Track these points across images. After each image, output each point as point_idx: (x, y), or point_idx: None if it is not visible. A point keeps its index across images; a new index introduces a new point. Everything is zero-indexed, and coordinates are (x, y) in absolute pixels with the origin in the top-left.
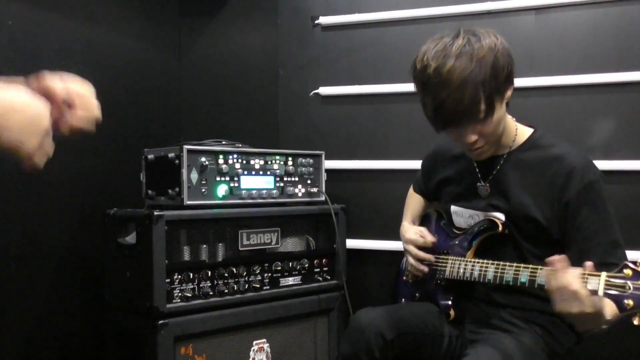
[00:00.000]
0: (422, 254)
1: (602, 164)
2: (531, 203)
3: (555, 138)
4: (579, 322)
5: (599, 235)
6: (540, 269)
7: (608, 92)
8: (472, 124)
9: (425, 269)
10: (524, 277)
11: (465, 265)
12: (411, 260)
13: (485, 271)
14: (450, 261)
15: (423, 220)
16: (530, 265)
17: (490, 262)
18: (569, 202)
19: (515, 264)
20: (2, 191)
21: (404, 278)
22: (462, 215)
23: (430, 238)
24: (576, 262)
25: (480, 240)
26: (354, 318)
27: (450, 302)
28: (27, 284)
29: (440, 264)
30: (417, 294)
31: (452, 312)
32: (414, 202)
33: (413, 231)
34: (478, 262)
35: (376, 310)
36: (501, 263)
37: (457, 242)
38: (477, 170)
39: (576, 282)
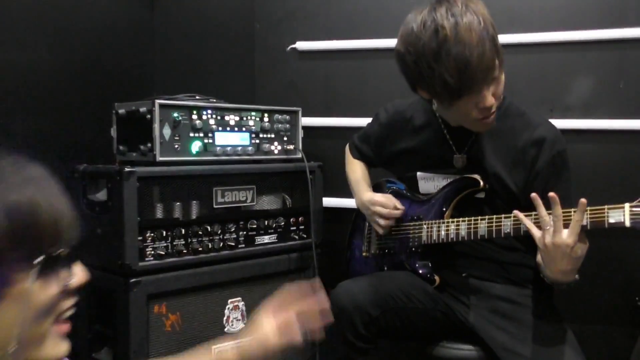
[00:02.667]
0: (397, 211)
1: (580, 123)
2: (505, 172)
3: (522, 106)
4: (562, 274)
5: (564, 202)
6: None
7: (587, 50)
8: (492, 84)
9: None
10: (507, 227)
11: (447, 226)
12: (383, 222)
13: (476, 228)
14: (425, 226)
15: (375, 189)
16: (528, 213)
17: (474, 218)
18: (539, 172)
19: (501, 216)
20: None
21: (364, 254)
22: (432, 180)
23: (400, 206)
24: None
25: (457, 200)
26: (334, 293)
27: (431, 268)
28: None
29: (412, 231)
30: (385, 267)
31: (437, 278)
32: (360, 170)
33: (377, 195)
34: (463, 221)
35: (358, 285)
36: (487, 217)
37: (429, 206)
38: (450, 141)
39: (572, 239)
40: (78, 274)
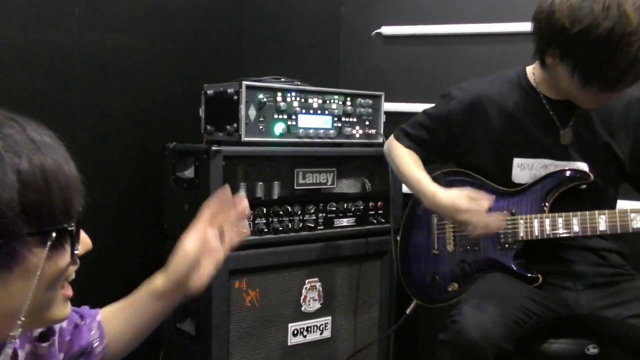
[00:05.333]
0: (480, 211)
1: None
2: (613, 140)
3: None
4: None
5: None
6: None
7: None
8: None
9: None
10: (637, 222)
11: (553, 221)
12: (477, 218)
13: (594, 223)
14: (522, 221)
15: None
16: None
17: (590, 213)
18: None
19: (626, 210)
20: (71, 127)
21: (434, 252)
22: (530, 168)
23: (486, 198)
24: None
25: (560, 192)
26: (462, 324)
27: (530, 266)
28: (91, 213)
29: (504, 227)
30: (466, 267)
31: (539, 276)
32: (417, 161)
33: (459, 197)
34: (575, 215)
35: (488, 316)
36: (608, 212)
37: (524, 199)
38: (554, 117)
39: None
40: (84, 242)
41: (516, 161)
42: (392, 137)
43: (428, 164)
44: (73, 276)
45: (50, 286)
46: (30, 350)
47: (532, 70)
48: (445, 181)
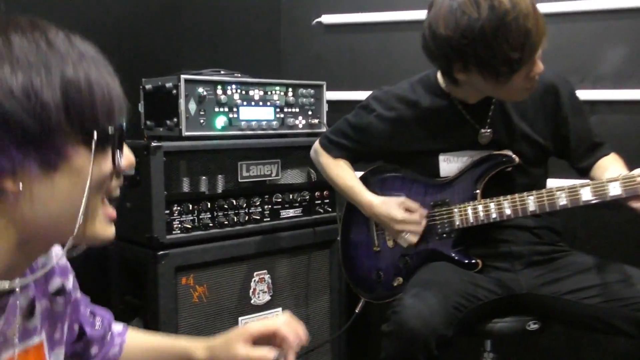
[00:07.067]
0: (415, 223)
1: (611, 94)
2: (530, 129)
3: None
4: None
5: (590, 131)
6: (572, 188)
7: (619, 19)
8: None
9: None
10: (563, 200)
11: (486, 207)
12: (409, 238)
13: (524, 204)
14: (456, 209)
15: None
16: (567, 186)
17: (519, 195)
18: (566, 116)
19: (552, 189)
20: None
21: (376, 249)
22: (456, 161)
23: (420, 210)
24: (582, 160)
25: (488, 178)
26: (402, 315)
27: (468, 252)
28: None
29: (439, 218)
30: (407, 259)
31: (479, 261)
32: (349, 171)
33: (394, 208)
34: (505, 199)
35: (427, 304)
36: (536, 192)
37: (454, 189)
38: (470, 120)
39: None
40: (127, 156)
41: (442, 157)
42: (317, 144)
43: (356, 164)
44: (117, 193)
45: (94, 191)
46: (47, 306)
47: (441, 77)
48: (376, 179)
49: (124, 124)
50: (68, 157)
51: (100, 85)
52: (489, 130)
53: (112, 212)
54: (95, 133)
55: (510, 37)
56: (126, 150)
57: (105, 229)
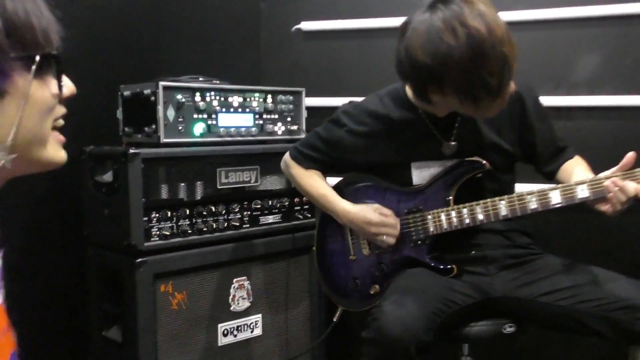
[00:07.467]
0: (391, 226)
1: (586, 100)
2: (499, 137)
3: None
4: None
5: (554, 137)
6: (541, 192)
7: (593, 26)
8: None
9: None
10: (533, 203)
11: (459, 212)
12: (388, 239)
13: (496, 209)
14: (430, 216)
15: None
16: (536, 190)
17: (491, 200)
18: (532, 123)
19: (522, 193)
20: None
21: (351, 257)
22: (427, 169)
23: (393, 216)
24: (548, 164)
25: (460, 184)
26: (382, 322)
27: (444, 258)
28: (6, 220)
29: (412, 223)
30: (384, 267)
31: (454, 267)
32: (321, 181)
33: (369, 212)
34: (477, 204)
35: (406, 310)
36: (507, 197)
37: (427, 196)
38: (436, 134)
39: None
40: (68, 85)
41: (414, 165)
42: (288, 156)
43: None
44: (61, 123)
45: (40, 116)
46: None
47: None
48: (350, 189)
49: (61, 50)
50: (14, 82)
51: (37, 15)
52: (453, 143)
53: (61, 137)
54: (37, 57)
55: (488, 64)
56: (66, 79)
57: (57, 151)
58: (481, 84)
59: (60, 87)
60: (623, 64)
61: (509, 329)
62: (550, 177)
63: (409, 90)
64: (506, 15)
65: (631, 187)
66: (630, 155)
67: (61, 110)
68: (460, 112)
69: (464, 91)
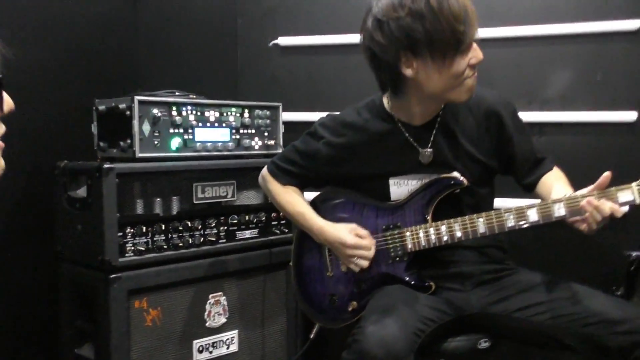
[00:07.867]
0: (366, 249)
1: (558, 116)
2: (475, 149)
3: None
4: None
5: (533, 149)
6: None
7: (565, 43)
8: None
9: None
10: (511, 221)
11: (437, 229)
12: (361, 262)
13: (474, 227)
14: (408, 232)
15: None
16: (514, 208)
17: (469, 217)
18: (510, 136)
19: (500, 210)
20: None
21: (329, 274)
22: (405, 185)
23: (370, 237)
24: (527, 176)
25: (439, 200)
26: (364, 342)
27: (421, 276)
28: None
29: (390, 240)
30: (362, 285)
31: (432, 284)
32: (299, 198)
33: (345, 233)
34: (456, 221)
35: (387, 330)
36: (485, 214)
37: (405, 212)
38: (413, 142)
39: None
40: (7, 101)
41: (392, 181)
42: (265, 171)
43: (304, 190)
44: (2, 130)
45: None
46: None
47: (387, 99)
48: (327, 205)
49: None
50: None
51: None
52: (429, 150)
53: (1, 144)
54: None
55: (453, 9)
56: (6, 96)
57: None
58: (450, 30)
59: (0, 105)
60: (594, 80)
61: (484, 344)
62: (530, 189)
63: (385, 99)
64: (480, 32)
65: (606, 206)
66: (606, 175)
67: (1, 130)
68: (431, 90)
69: (435, 42)
